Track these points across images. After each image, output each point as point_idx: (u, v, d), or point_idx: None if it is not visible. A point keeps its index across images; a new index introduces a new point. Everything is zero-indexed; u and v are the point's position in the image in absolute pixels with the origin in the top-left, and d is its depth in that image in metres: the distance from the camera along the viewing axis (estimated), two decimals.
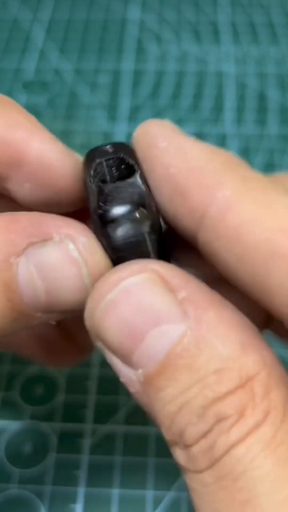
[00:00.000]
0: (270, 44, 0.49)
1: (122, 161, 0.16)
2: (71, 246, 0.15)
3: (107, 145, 0.16)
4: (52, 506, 0.26)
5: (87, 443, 0.28)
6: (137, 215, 0.15)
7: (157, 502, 0.26)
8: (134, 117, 0.43)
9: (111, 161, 0.16)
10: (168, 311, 0.13)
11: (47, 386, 0.29)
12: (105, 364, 0.30)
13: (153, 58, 0.48)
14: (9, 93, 0.45)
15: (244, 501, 0.12)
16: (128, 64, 0.48)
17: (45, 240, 0.14)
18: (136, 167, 0.15)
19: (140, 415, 0.28)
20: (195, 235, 0.15)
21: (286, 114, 0.43)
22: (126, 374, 0.14)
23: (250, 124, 0.43)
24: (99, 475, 0.27)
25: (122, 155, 0.16)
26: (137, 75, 0.47)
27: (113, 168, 0.16)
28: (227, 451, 0.12)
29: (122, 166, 0.16)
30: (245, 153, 0.41)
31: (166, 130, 0.15)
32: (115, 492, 0.26)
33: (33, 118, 0.17)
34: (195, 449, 0.13)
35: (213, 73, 0.47)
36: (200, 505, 0.13)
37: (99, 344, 0.15)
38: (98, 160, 0.16)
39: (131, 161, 0.15)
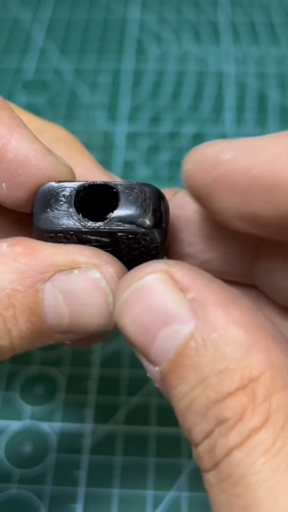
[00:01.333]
0: (270, 44, 0.49)
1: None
2: (97, 275, 0.15)
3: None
4: (52, 506, 0.26)
5: (87, 443, 0.28)
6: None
7: (157, 502, 0.26)
8: (134, 117, 0.43)
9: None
10: (177, 311, 0.13)
11: (47, 386, 0.29)
12: (105, 364, 0.30)
13: (153, 58, 0.48)
14: (9, 93, 0.45)
15: (244, 507, 0.12)
16: (128, 64, 0.48)
17: (72, 268, 0.15)
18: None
19: (140, 415, 0.28)
20: None
21: (286, 114, 0.43)
22: (149, 369, 0.14)
23: (250, 124, 0.43)
24: (99, 475, 0.27)
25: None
26: (137, 75, 0.47)
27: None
28: (227, 454, 0.12)
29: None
30: None
31: (221, 144, 0.15)
32: (115, 492, 0.26)
33: (15, 115, 0.17)
34: (201, 449, 0.13)
35: (213, 73, 0.47)
36: (210, 503, 0.13)
37: (127, 340, 0.15)
38: None
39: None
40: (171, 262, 0.15)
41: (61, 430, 0.28)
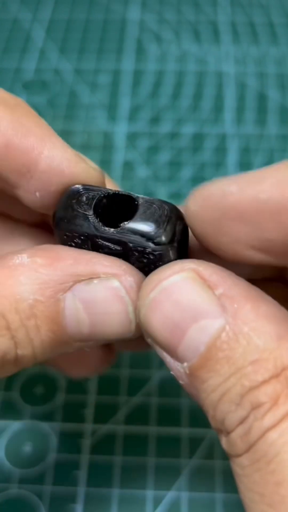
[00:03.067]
0: (270, 44, 0.49)
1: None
2: (117, 284, 0.15)
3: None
4: (52, 506, 0.26)
5: (87, 443, 0.28)
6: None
7: (157, 502, 0.26)
8: (134, 117, 0.43)
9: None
10: (207, 307, 0.14)
11: (47, 386, 0.29)
12: None
13: (153, 58, 0.48)
14: (9, 93, 0.45)
15: (277, 483, 0.13)
16: (128, 64, 0.48)
17: (91, 278, 0.15)
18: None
19: (140, 415, 0.28)
20: None
21: (286, 114, 0.43)
22: (174, 367, 0.15)
23: (250, 124, 0.43)
24: (99, 475, 0.27)
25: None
26: (137, 75, 0.47)
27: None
28: (261, 436, 0.13)
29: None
30: (245, 153, 0.41)
31: (225, 181, 0.15)
32: (115, 492, 0.26)
33: (43, 123, 0.17)
34: (234, 434, 0.14)
35: (213, 73, 0.47)
36: (241, 488, 0.14)
37: (149, 340, 0.15)
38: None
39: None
40: (197, 261, 0.15)
41: (61, 430, 0.28)
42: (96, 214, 0.16)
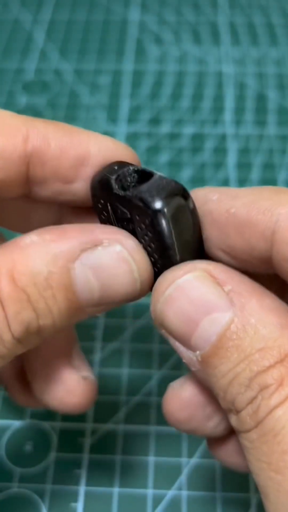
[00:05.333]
0: (269, 45, 0.49)
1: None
2: (119, 248, 0.17)
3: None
4: (53, 505, 0.26)
5: (87, 442, 0.28)
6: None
7: (157, 501, 0.26)
8: (134, 117, 0.43)
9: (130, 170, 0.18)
10: (217, 301, 0.16)
11: None
12: (105, 363, 0.30)
13: (153, 59, 0.48)
14: (10, 94, 0.45)
15: (283, 451, 0.15)
16: (128, 65, 0.48)
17: (96, 245, 0.17)
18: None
19: (140, 414, 0.28)
20: (270, 255, 0.17)
21: (286, 115, 0.44)
22: (187, 355, 0.17)
23: (250, 125, 0.43)
24: (100, 474, 0.27)
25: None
26: (137, 76, 0.47)
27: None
28: (269, 413, 0.15)
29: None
30: (245, 153, 0.41)
31: (210, 189, 0.18)
32: (116, 491, 0.26)
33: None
34: (244, 413, 0.15)
35: (213, 73, 0.47)
36: (250, 459, 0.16)
37: (162, 331, 0.17)
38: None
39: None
40: (207, 261, 0.17)
41: (61, 429, 0.28)
42: (119, 182, 0.18)
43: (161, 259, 0.18)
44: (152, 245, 0.18)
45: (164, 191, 0.17)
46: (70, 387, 0.21)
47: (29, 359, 0.22)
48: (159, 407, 0.29)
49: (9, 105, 0.44)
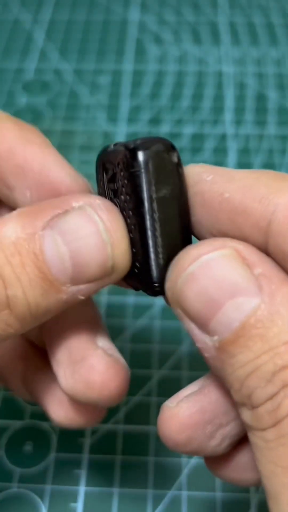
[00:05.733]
0: (269, 44, 0.49)
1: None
2: (88, 209, 0.16)
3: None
4: (53, 505, 0.26)
5: (87, 442, 0.28)
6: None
7: (157, 501, 0.26)
8: (134, 117, 0.43)
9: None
10: (244, 285, 0.15)
11: None
12: None
13: (153, 59, 0.48)
14: (10, 93, 0.45)
15: None
16: (128, 65, 0.48)
17: (66, 210, 0.16)
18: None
19: (140, 414, 0.28)
20: (265, 247, 0.16)
21: (285, 114, 0.44)
22: (202, 339, 0.15)
23: (250, 125, 0.43)
24: (100, 474, 0.27)
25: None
26: (137, 75, 0.47)
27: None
28: None
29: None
30: (245, 153, 0.41)
31: (206, 167, 0.17)
32: (115, 491, 0.26)
33: (46, 140, 0.19)
34: (261, 409, 0.14)
35: (213, 73, 0.47)
36: (261, 459, 0.15)
37: (178, 311, 0.16)
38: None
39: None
40: (237, 240, 0.16)
41: (61, 429, 0.28)
42: (117, 144, 0.17)
43: (134, 217, 0.16)
44: (128, 200, 0.17)
45: (147, 139, 0.17)
46: (92, 362, 0.19)
47: (52, 345, 0.20)
48: (159, 407, 0.29)
49: (9, 105, 0.44)
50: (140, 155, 0.16)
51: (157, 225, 0.16)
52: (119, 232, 0.16)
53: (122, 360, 0.20)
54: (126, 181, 0.16)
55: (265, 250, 0.16)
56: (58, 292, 0.16)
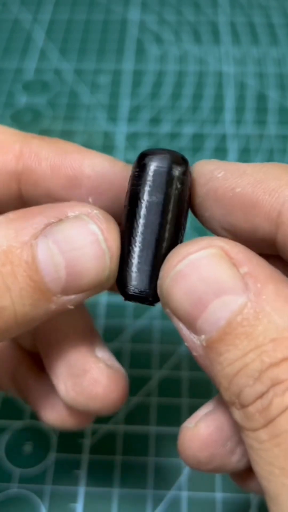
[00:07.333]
0: (270, 44, 0.49)
1: None
2: (85, 218, 0.16)
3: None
4: (52, 505, 0.26)
5: (87, 442, 0.28)
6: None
7: (157, 501, 0.26)
8: (134, 117, 0.43)
9: None
10: (230, 284, 0.15)
11: None
12: None
13: (153, 58, 0.48)
14: (9, 93, 0.45)
15: None
16: (128, 65, 0.48)
17: (61, 219, 0.16)
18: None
19: (140, 415, 0.28)
20: (274, 237, 0.16)
21: (286, 114, 0.43)
22: (190, 339, 0.15)
23: (250, 124, 0.43)
24: (99, 475, 0.27)
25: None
26: (137, 75, 0.47)
27: None
28: (282, 412, 0.14)
29: None
30: (245, 153, 0.41)
31: (217, 163, 0.17)
32: (115, 491, 0.26)
33: (77, 145, 0.19)
34: (252, 408, 0.14)
35: (213, 73, 0.47)
36: (256, 460, 0.14)
37: (167, 311, 0.16)
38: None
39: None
40: (224, 239, 0.16)
41: (61, 429, 0.28)
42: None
43: (126, 222, 0.17)
44: (126, 205, 0.17)
45: (163, 149, 0.17)
46: (94, 375, 0.19)
47: (49, 358, 0.21)
48: (159, 407, 0.29)
49: (9, 105, 0.44)
50: (144, 158, 0.17)
51: (139, 230, 0.17)
52: (115, 242, 0.16)
53: (121, 369, 0.20)
54: (128, 181, 0.17)
55: (274, 240, 0.16)
56: (48, 302, 0.16)
